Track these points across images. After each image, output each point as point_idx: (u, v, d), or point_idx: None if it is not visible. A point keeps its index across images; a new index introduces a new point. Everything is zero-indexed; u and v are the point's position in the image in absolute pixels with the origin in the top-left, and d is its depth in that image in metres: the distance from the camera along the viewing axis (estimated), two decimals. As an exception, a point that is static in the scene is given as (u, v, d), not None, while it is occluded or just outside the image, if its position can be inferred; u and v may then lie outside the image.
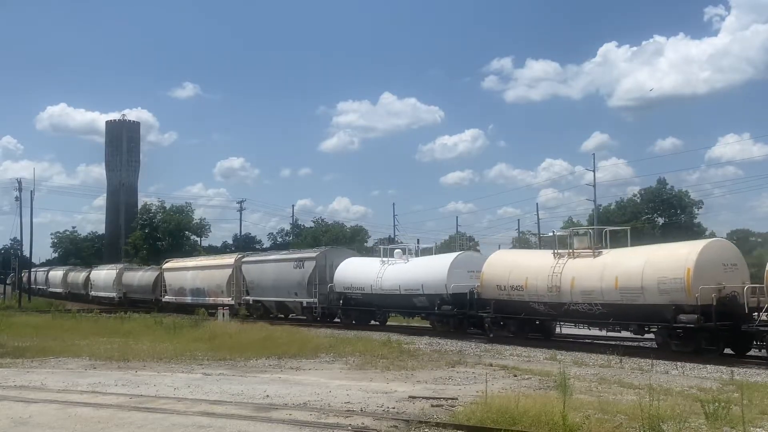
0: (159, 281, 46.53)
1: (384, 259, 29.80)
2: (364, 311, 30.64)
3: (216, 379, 14.16)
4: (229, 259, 40.33)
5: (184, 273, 43.65)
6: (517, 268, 22.88)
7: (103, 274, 56.55)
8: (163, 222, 76.90)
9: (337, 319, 32.22)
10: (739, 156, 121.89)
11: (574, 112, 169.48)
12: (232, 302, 36.77)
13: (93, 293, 56.77)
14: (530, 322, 22.91)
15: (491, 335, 23.15)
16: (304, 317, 33.33)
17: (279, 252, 42.13)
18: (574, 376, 13.53)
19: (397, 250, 30.12)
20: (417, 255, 30.25)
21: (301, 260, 33.50)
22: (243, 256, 39.53)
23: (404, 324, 30.71)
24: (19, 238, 62.20)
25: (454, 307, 25.04)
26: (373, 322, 30.80)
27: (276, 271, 35.07)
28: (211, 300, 39.12)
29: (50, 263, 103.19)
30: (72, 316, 34.79)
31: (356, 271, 30.71)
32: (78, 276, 63.23)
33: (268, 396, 11.88)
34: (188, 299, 41.66)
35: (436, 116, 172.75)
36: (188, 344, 20.63)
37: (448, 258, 26.80)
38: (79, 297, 59.06)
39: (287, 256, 36.59)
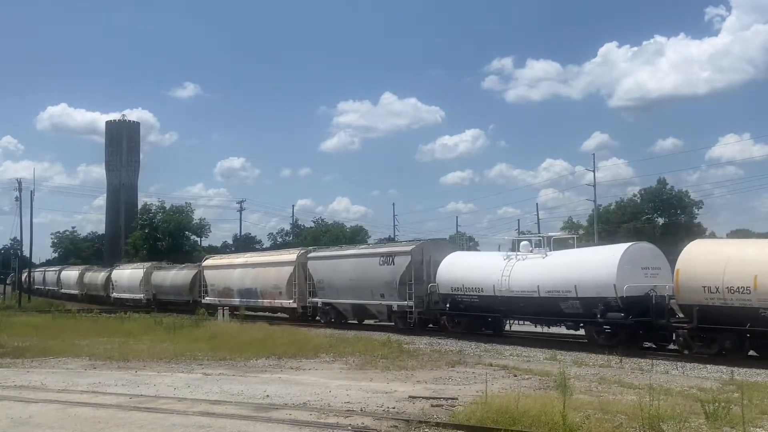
0: (197, 281, 41.64)
1: (509, 253, 23.82)
2: (480, 318, 24.67)
3: (216, 379, 14.16)
4: (291, 255, 34.63)
5: (229, 271, 38.55)
6: (739, 263, 17.09)
7: (128, 274, 51.77)
8: (163, 222, 76.91)
9: (431, 325, 26.55)
10: (740, 156, 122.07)
11: (575, 112, 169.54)
12: (294, 305, 32.57)
13: (115, 295, 52.03)
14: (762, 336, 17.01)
15: (689, 352, 18.09)
16: (391, 323, 28.03)
17: (359, 246, 35.62)
18: (574, 376, 13.53)
19: (523, 242, 24.14)
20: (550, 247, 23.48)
21: (391, 255, 27.81)
22: (308, 251, 34.37)
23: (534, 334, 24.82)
24: (19, 238, 62.21)
25: (627, 314, 19.09)
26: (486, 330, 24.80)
27: (355, 268, 29.55)
28: (266, 302, 34.82)
29: (50, 263, 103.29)
30: (72, 316, 34.82)
31: (469, 268, 24.69)
32: (97, 276, 58.37)
33: (268, 396, 11.88)
34: (235, 301, 36.62)
35: (436, 116, 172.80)
36: (188, 344, 20.62)
37: (615, 251, 20.54)
38: (99, 299, 54.89)
39: (371, 250, 30.63)
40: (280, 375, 14.90)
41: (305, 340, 21.19)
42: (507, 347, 20.88)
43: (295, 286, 32.70)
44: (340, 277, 30.22)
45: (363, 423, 9.56)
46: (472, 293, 23.99)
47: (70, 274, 65.51)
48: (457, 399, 11.30)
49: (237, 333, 23.03)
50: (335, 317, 30.82)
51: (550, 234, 24.59)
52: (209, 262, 41.94)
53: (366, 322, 30.88)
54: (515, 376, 14.57)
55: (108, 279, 54.83)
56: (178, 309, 41.11)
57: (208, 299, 39.25)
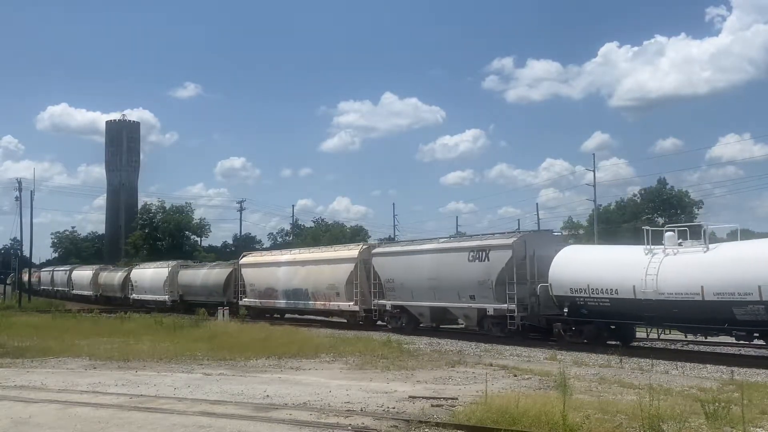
0: (232, 280, 38.04)
1: (652, 247, 18.96)
2: (608, 325, 20.25)
3: (216, 379, 14.15)
4: (351, 251, 30.31)
5: (273, 270, 34.28)
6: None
7: (150, 274, 47.52)
8: (163, 222, 77.01)
9: (533, 334, 22.37)
10: (740, 156, 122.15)
11: (575, 112, 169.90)
12: (355, 308, 28.52)
13: (135, 296, 48.26)
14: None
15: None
16: (480, 329, 23.57)
17: (439, 239, 29.12)
18: (574, 376, 13.53)
19: (668, 234, 19.04)
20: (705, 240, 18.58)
21: (484, 250, 22.95)
22: (373, 246, 30.05)
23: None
24: (19, 238, 62.18)
25: None
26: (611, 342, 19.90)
27: (436, 265, 24.86)
28: (318, 305, 30.69)
29: (50, 263, 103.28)
30: (72, 316, 34.82)
31: (595, 265, 20.27)
32: (113, 276, 54.52)
33: (268, 396, 11.88)
34: (281, 303, 33.15)
35: (437, 116, 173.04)
36: (188, 344, 20.63)
37: None
38: (115, 301, 51.71)
39: (458, 244, 25.70)
40: (280, 375, 14.89)
41: (305, 341, 21.19)
42: (507, 347, 20.87)
43: (356, 286, 28.45)
44: (416, 276, 25.58)
45: (363, 423, 9.56)
46: (600, 296, 19.49)
47: (83, 274, 61.33)
48: (457, 399, 11.30)
49: (237, 333, 23.05)
50: (407, 322, 26.51)
51: (705, 223, 19.96)
52: (248, 259, 37.73)
53: (444, 327, 26.72)
54: (515, 376, 14.56)
55: (126, 279, 51.16)
56: (209, 312, 37.68)
57: (246, 301, 35.70)
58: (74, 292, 60.96)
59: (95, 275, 57.46)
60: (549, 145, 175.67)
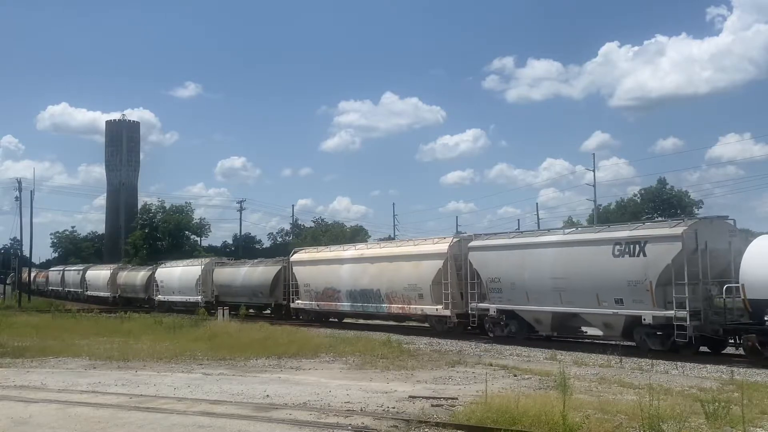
0: (281, 279, 34.37)
1: None
2: None
3: (216, 379, 14.16)
4: (439, 245, 25.20)
5: (333, 267, 29.98)
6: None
7: (179, 273, 43.56)
8: (163, 222, 76.95)
9: (704, 348, 18.36)
10: (740, 156, 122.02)
11: (576, 112, 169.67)
12: (446, 312, 23.97)
13: (161, 297, 44.25)
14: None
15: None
16: (617, 340, 19.42)
17: (565, 230, 23.55)
18: (574, 376, 13.53)
19: None
20: None
21: (639, 242, 18.38)
22: (467, 239, 24.72)
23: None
24: (19, 237, 62.18)
25: None
26: None
27: (563, 260, 20.26)
28: (395, 308, 26.36)
29: (50, 263, 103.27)
30: (72, 316, 34.80)
31: None
32: (135, 276, 50.63)
33: (268, 396, 11.88)
34: (344, 306, 29.26)
35: (437, 116, 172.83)
36: (188, 344, 20.63)
37: None
38: (137, 302, 48.48)
39: (597, 235, 20.31)
40: (280, 375, 14.90)
41: (305, 340, 21.19)
42: (507, 347, 20.87)
43: (445, 286, 23.92)
44: (533, 275, 21.02)
45: (363, 423, 9.56)
46: None
47: (99, 274, 56.83)
48: (457, 399, 11.30)
49: (237, 333, 23.03)
50: (517, 330, 22.06)
51: None
52: (301, 255, 33.35)
53: (560, 337, 22.26)
54: (515, 375, 14.57)
55: (150, 279, 47.18)
56: (254, 314, 35.58)
57: (300, 303, 31.81)
58: (89, 293, 56.86)
59: (113, 275, 53.37)
60: (549, 145, 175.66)
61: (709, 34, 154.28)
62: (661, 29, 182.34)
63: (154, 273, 46.87)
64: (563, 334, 22.14)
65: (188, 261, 46.21)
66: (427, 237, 29.58)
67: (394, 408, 10.69)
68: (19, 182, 59.99)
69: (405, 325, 28.78)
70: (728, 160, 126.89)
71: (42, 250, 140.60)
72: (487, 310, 22.67)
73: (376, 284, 27.31)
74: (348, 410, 10.41)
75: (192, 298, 40.53)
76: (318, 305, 30.73)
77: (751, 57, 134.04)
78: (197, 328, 25.17)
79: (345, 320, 31.43)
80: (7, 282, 72.87)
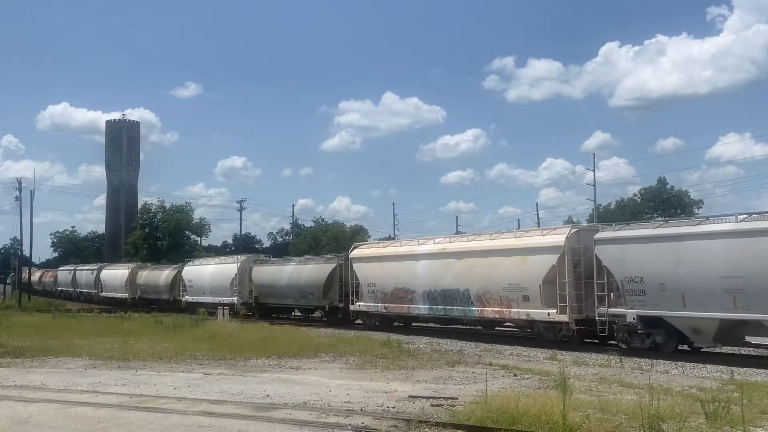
0: (336, 278, 30.68)
1: None
2: None
3: (216, 379, 14.15)
4: (552, 237, 21.06)
5: (406, 264, 26.14)
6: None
7: (211, 272, 39.99)
8: (163, 222, 76.96)
9: None
10: (741, 155, 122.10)
11: (576, 112, 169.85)
12: (562, 317, 20.06)
13: (190, 298, 40.89)
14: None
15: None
16: None
17: (734, 217, 17.28)
18: (574, 376, 13.53)
19: None
20: None
21: None
22: (589, 229, 20.88)
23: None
24: (19, 237, 62.16)
25: None
26: None
27: (738, 255, 16.36)
28: (490, 312, 22.37)
29: (50, 263, 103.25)
30: (72, 315, 34.80)
31: None
32: (158, 276, 47.07)
33: (268, 395, 11.88)
34: (419, 308, 25.32)
35: (438, 116, 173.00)
36: (188, 344, 20.63)
37: None
38: (160, 303, 45.24)
39: None
40: (280, 375, 14.89)
41: (305, 340, 21.18)
42: (507, 347, 20.86)
43: (561, 287, 20.00)
44: (693, 274, 17.08)
45: (363, 423, 9.56)
46: None
47: (116, 273, 53.50)
48: (457, 398, 11.30)
49: (237, 333, 23.02)
50: (665, 340, 18.23)
51: None
52: (364, 251, 29.63)
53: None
54: (515, 375, 14.56)
55: (176, 278, 43.98)
56: (300, 317, 32.72)
57: (363, 305, 28.17)
58: (104, 294, 53.57)
59: (132, 275, 49.97)
60: (549, 145, 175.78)
61: (710, 34, 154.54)
62: (662, 29, 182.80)
63: (180, 272, 43.49)
64: (728, 344, 18.47)
65: (221, 258, 43.14)
66: (528, 228, 24.09)
67: (394, 408, 10.68)
68: (19, 182, 60.01)
69: (500, 333, 24.44)
70: (728, 159, 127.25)
71: (42, 250, 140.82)
72: (623, 316, 18.55)
73: (463, 284, 23.24)
74: (348, 410, 10.41)
75: (226, 299, 36.78)
76: (385, 308, 26.88)
77: (752, 57, 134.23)
78: (197, 328, 25.16)
79: (414, 324, 27.86)
80: (8, 282, 72.86)
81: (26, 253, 63.79)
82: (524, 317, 21.51)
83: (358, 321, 29.56)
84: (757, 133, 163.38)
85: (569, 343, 20.22)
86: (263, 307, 35.66)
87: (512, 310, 21.67)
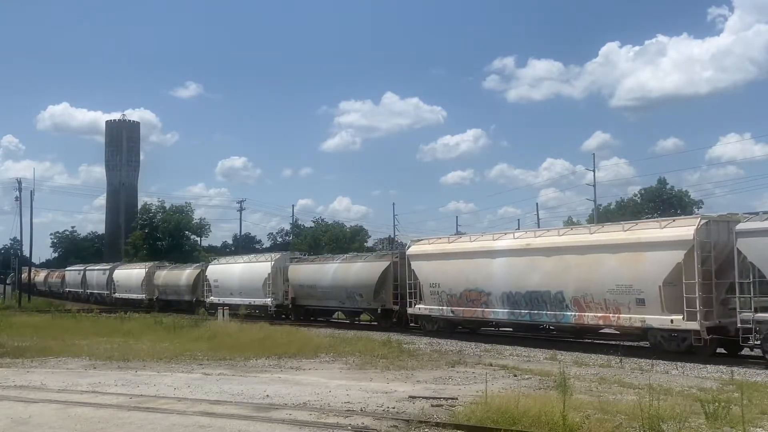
0: (389, 277, 27.62)
1: None
2: None
3: (216, 379, 14.15)
4: (677, 230, 17.97)
5: (479, 262, 22.81)
6: None
7: (240, 271, 37.18)
8: (163, 222, 77.00)
9: None
10: (741, 155, 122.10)
11: (576, 112, 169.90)
12: (691, 325, 17.00)
13: (215, 299, 37.88)
14: None
15: None
16: None
17: None
18: (574, 376, 13.53)
19: None
20: None
21: None
22: (727, 220, 17.99)
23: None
24: (19, 237, 62.20)
25: None
26: None
27: None
28: (591, 318, 19.31)
29: (50, 263, 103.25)
30: (72, 316, 34.79)
31: None
32: (179, 276, 44.03)
33: (268, 396, 11.88)
34: (497, 312, 22.18)
35: (438, 116, 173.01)
36: (188, 344, 20.63)
37: None
38: (180, 305, 42.33)
39: None
40: (280, 375, 14.89)
41: (305, 341, 21.17)
42: (507, 347, 20.86)
43: (689, 289, 17.08)
44: None
45: (363, 423, 9.55)
46: None
47: (130, 273, 50.66)
48: (457, 399, 11.30)
49: (237, 333, 23.00)
50: None
51: None
52: (423, 247, 26.06)
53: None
54: (515, 376, 14.56)
55: (199, 278, 41.29)
56: (345, 321, 30.40)
57: (423, 308, 25.10)
58: (117, 295, 50.83)
59: (149, 274, 47.09)
60: (549, 145, 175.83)
61: (710, 34, 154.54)
62: (662, 29, 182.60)
63: (204, 271, 40.69)
64: None
65: (251, 256, 40.01)
66: (643, 219, 19.91)
67: (394, 408, 10.68)
68: (19, 182, 60.15)
69: (602, 340, 20.74)
70: (728, 160, 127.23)
71: (42, 250, 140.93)
72: None
73: (555, 284, 20.28)
74: (348, 410, 10.41)
75: (257, 301, 34.69)
76: (452, 311, 23.78)
77: (752, 57, 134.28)
78: (197, 328, 25.16)
79: (482, 330, 25.28)
80: (7, 282, 72.85)
81: (26, 253, 63.96)
82: (637, 324, 18.27)
83: (413, 324, 26.67)
84: (757, 133, 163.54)
85: (696, 354, 17.32)
86: (301, 310, 32.99)
87: (621, 315, 18.49)
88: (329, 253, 46.71)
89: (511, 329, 24.15)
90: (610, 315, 18.91)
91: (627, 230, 19.33)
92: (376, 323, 29.25)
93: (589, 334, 21.52)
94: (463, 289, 23.35)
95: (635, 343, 19.79)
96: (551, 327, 21.93)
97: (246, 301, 35.32)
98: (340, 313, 32.58)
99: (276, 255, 36.09)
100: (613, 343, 19.01)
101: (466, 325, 25.02)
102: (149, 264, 49.91)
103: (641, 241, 18.48)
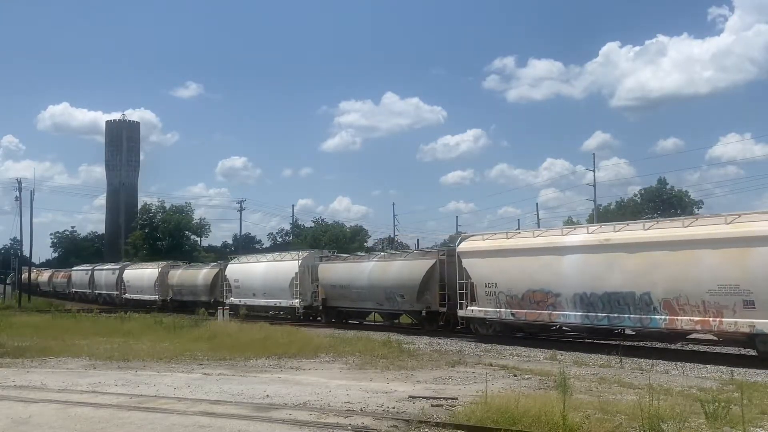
0: (434, 276, 25.30)
1: None
2: None
3: (216, 379, 14.15)
4: None
5: (547, 259, 20.59)
6: None
7: (263, 270, 35.41)
8: (163, 222, 77.05)
9: None
10: (741, 155, 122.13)
11: (576, 112, 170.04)
12: None
13: (237, 300, 35.90)
14: None
15: None
16: None
17: None
18: (574, 376, 13.53)
19: None
20: None
21: None
22: None
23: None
24: (19, 237, 62.19)
25: None
26: None
27: None
28: (686, 322, 17.29)
29: (50, 263, 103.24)
30: (72, 316, 34.78)
31: None
32: (196, 275, 42.22)
33: (268, 396, 11.88)
34: (569, 316, 19.97)
35: (438, 116, 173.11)
36: (188, 344, 20.63)
37: None
38: (197, 305, 39.58)
39: None
40: (280, 375, 14.89)
41: (305, 341, 21.16)
42: (507, 347, 20.86)
43: None
44: None
45: (363, 423, 9.55)
46: None
47: (142, 273, 48.52)
48: (457, 399, 11.29)
49: (237, 333, 23.01)
50: None
51: None
52: (477, 243, 23.59)
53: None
54: (515, 375, 14.56)
55: (217, 278, 39.58)
56: (382, 324, 28.81)
57: (478, 310, 22.72)
58: (128, 296, 49.14)
59: (163, 274, 45.40)
60: (550, 145, 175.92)
61: (711, 34, 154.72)
62: (663, 29, 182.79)
63: (223, 270, 38.87)
64: None
65: (275, 255, 37.52)
66: (742, 212, 17.59)
67: (394, 408, 10.68)
68: (19, 182, 60.14)
69: (695, 347, 19.81)
70: (728, 160, 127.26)
71: (42, 250, 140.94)
72: None
73: (639, 285, 18.23)
74: (348, 410, 10.40)
75: (283, 302, 32.94)
76: (513, 314, 21.51)
77: (752, 57, 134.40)
78: (197, 328, 25.17)
79: (544, 335, 23.22)
80: (7, 282, 72.84)
81: (26, 253, 63.94)
82: (744, 330, 16.21)
83: (459, 328, 24.53)
84: (757, 133, 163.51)
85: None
86: (333, 312, 30.84)
87: (724, 320, 16.43)
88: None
89: (580, 334, 22.08)
90: (710, 319, 16.72)
91: (731, 223, 17.03)
92: (417, 326, 27.32)
93: (676, 339, 19.58)
94: (526, 290, 21.03)
95: (635, 343, 19.80)
96: (634, 332, 19.91)
97: (271, 302, 33.80)
98: (376, 315, 31.10)
99: (303, 253, 34.10)
100: (613, 343, 18.99)
101: (527, 329, 22.82)
102: (162, 263, 48.24)
103: (750, 235, 16.25)
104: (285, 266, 33.57)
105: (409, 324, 28.80)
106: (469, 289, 23.21)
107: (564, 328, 22.39)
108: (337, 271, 30.49)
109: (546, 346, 20.48)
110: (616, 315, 18.64)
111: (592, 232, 20.26)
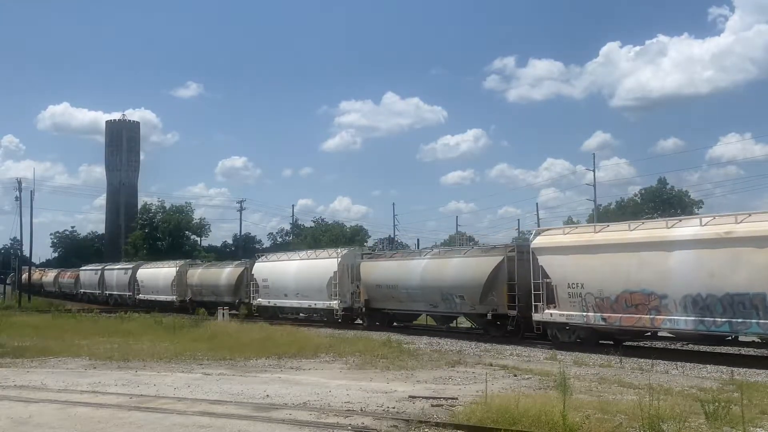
0: (500, 276, 22.55)
1: None
2: None
3: (216, 379, 14.15)
4: None
5: (647, 256, 17.95)
6: None
7: (295, 269, 33.04)
8: (163, 222, 77.07)
9: None
10: (741, 155, 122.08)
11: (576, 112, 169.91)
12: None
13: (265, 301, 34.08)
14: None
15: None
16: None
17: None
18: (574, 376, 13.54)
19: None
20: None
21: None
22: None
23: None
24: (19, 237, 62.18)
25: None
26: None
27: None
28: None
29: (50, 263, 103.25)
30: (72, 316, 34.79)
31: None
32: (218, 275, 39.97)
33: (268, 396, 11.88)
34: (676, 320, 17.34)
35: (439, 116, 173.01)
36: (188, 344, 20.63)
37: None
38: (215, 306, 35.32)
39: None
40: (280, 375, 14.89)
41: (305, 340, 21.18)
42: (507, 347, 20.86)
43: None
44: None
45: (363, 423, 9.55)
46: None
47: (158, 273, 45.88)
48: (457, 399, 11.29)
49: (237, 333, 23.02)
50: None
51: None
52: (555, 238, 20.89)
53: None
54: (515, 375, 14.56)
55: (242, 277, 37.16)
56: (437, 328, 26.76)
57: (560, 314, 20.06)
58: (141, 296, 46.68)
59: (181, 273, 42.70)
60: (550, 145, 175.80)
61: (711, 34, 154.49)
62: (663, 29, 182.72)
63: (248, 269, 36.52)
64: None
65: (309, 252, 34.71)
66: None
67: (394, 408, 10.68)
68: (20, 182, 60.15)
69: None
70: (729, 160, 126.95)
71: (42, 250, 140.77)
72: None
73: None
74: (348, 410, 10.41)
75: (319, 304, 30.53)
76: (604, 318, 18.84)
77: (753, 57, 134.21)
78: (197, 328, 25.19)
79: (639, 343, 20.89)
80: (7, 282, 72.82)
81: (26, 253, 63.94)
82: None
83: (536, 333, 21.54)
84: (758, 133, 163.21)
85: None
86: (377, 314, 28.53)
87: None
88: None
89: (686, 341, 20.00)
90: None
91: None
92: (479, 330, 24.84)
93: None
94: (621, 291, 18.36)
95: (635, 343, 19.78)
96: (761, 339, 17.61)
97: (305, 303, 31.50)
98: (427, 318, 29.12)
99: (343, 250, 31.44)
100: (613, 342, 18.98)
101: (619, 336, 19.87)
102: (180, 262, 45.64)
103: None
104: (321, 264, 30.92)
105: (469, 329, 26.65)
106: (546, 290, 20.46)
107: (668, 334, 19.93)
108: (383, 269, 27.94)
109: (546, 346, 20.44)
110: (740, 320, 15.98)
111: (706, 224, 17.33)
